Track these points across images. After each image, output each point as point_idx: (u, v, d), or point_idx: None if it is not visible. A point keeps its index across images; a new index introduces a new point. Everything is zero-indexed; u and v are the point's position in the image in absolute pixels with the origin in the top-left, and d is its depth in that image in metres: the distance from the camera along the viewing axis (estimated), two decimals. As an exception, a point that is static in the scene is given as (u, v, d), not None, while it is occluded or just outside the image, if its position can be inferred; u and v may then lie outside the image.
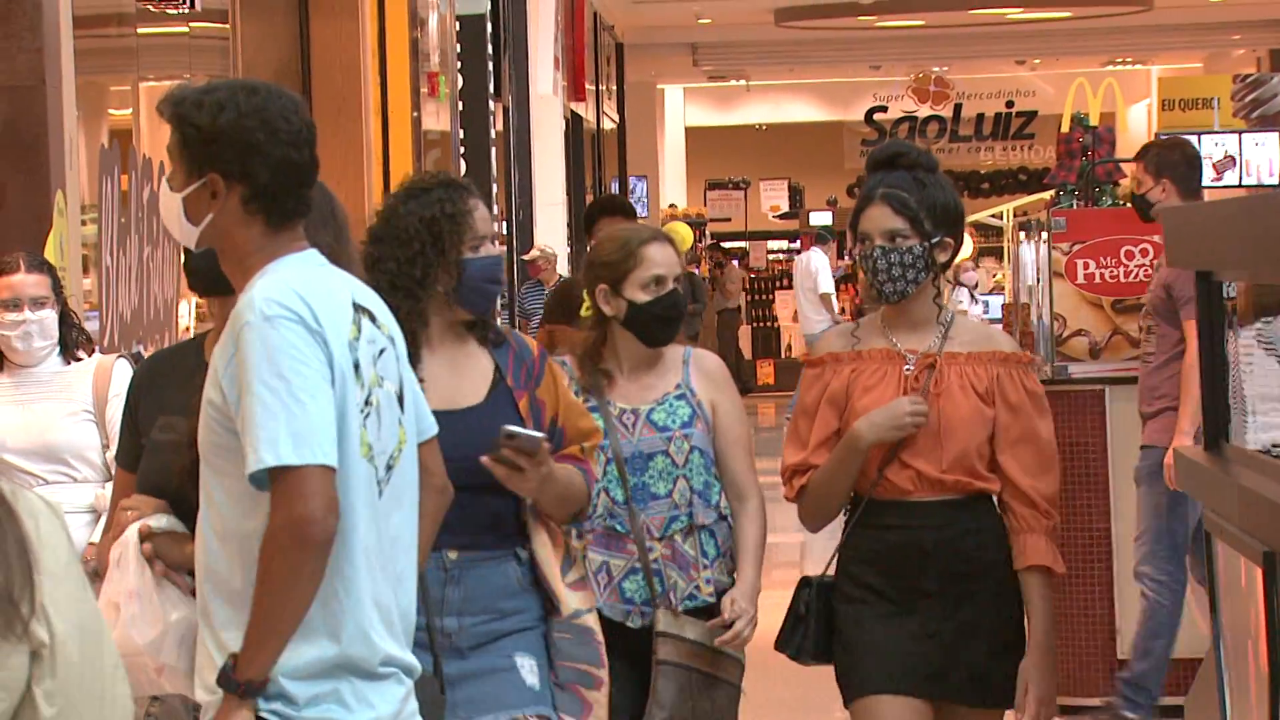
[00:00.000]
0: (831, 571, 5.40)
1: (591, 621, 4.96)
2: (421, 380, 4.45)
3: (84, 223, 7.92)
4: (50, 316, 6.57)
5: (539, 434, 4.76)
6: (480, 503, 4.78)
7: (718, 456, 5.58)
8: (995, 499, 5.32)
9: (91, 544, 6.48)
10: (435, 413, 4.32)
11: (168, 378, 4.62)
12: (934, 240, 5.24)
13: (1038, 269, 9.93)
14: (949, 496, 5.26)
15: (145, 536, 4.31)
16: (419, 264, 4.89)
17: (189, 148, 4.02)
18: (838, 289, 23.82)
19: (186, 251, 4.49)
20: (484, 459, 4.71)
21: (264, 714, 3.90)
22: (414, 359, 4.53)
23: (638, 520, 5.50)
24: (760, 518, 5.61)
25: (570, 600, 4.91)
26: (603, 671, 4.96)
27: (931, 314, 5.32)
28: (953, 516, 5.26)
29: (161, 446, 4.39)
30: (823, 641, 5.36)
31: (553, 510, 4.94)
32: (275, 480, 3.85)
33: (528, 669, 4.84)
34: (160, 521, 4.34)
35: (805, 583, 5.43)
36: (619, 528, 5.51)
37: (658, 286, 5.51)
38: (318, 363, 3.89)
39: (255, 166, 4.00)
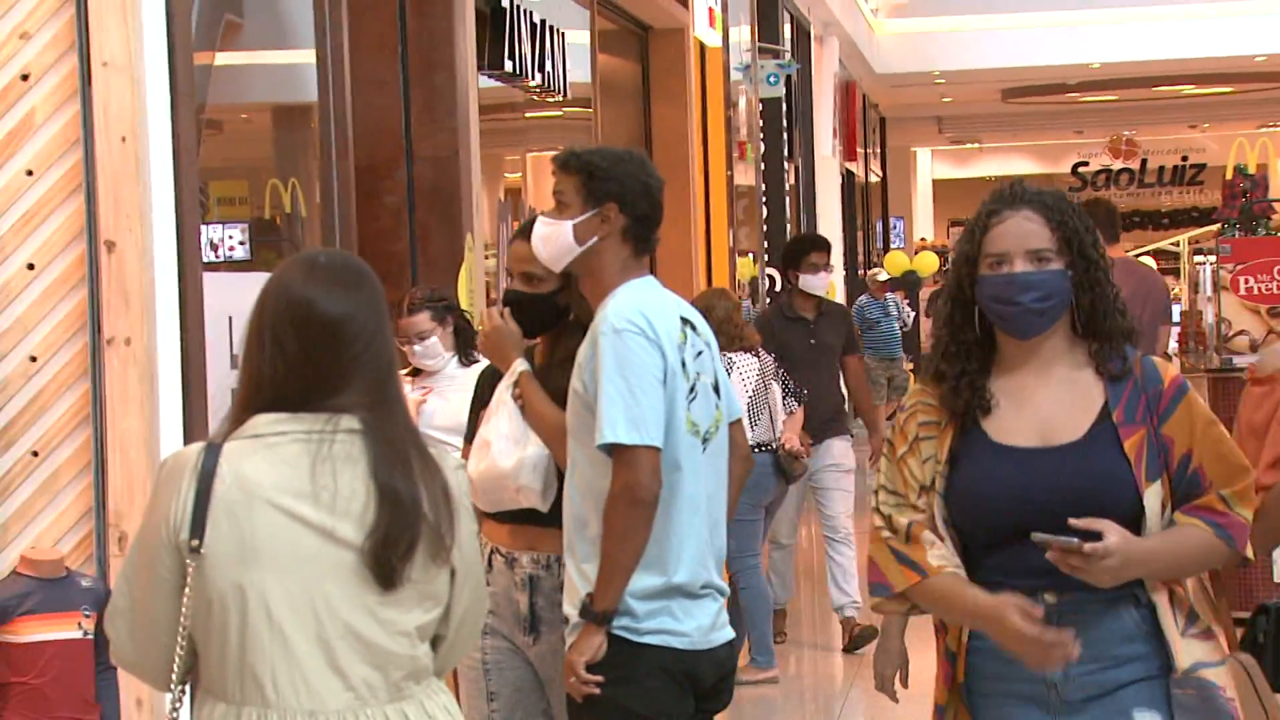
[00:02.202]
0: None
1: (1218, 675, 3.31)
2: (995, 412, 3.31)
3: (486, 257, 8.05)
4: (433, 342, 6.59)
5: (1072, 540, 3.16)
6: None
7: None
8: None
9: None
10: (1025, 450, 3.28)
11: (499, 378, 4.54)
12: None
13: (1209, 283, 9.73)
14: None
15: (516, 383, 4.35)
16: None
17: (592, 183, 4.05)
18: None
19: (513, 300, 4.43)
20: (1049, 555, 3.20)
21: (615, 630, 3.93)
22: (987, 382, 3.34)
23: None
24: None
25: (1190, 651, 3.30)
26: None
27: None
28: None
29: None
30: (1274, 674, 3.83)
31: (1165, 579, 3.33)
32: (614, 455, 3.90)
33: None
34: (524, 364, 4.38)
35: (1263, 609, 3.96)
36: None
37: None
38: (653, 365, 3.93)
39: (640, 203, 4.07)
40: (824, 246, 9.00)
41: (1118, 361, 3.35)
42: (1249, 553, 3.33)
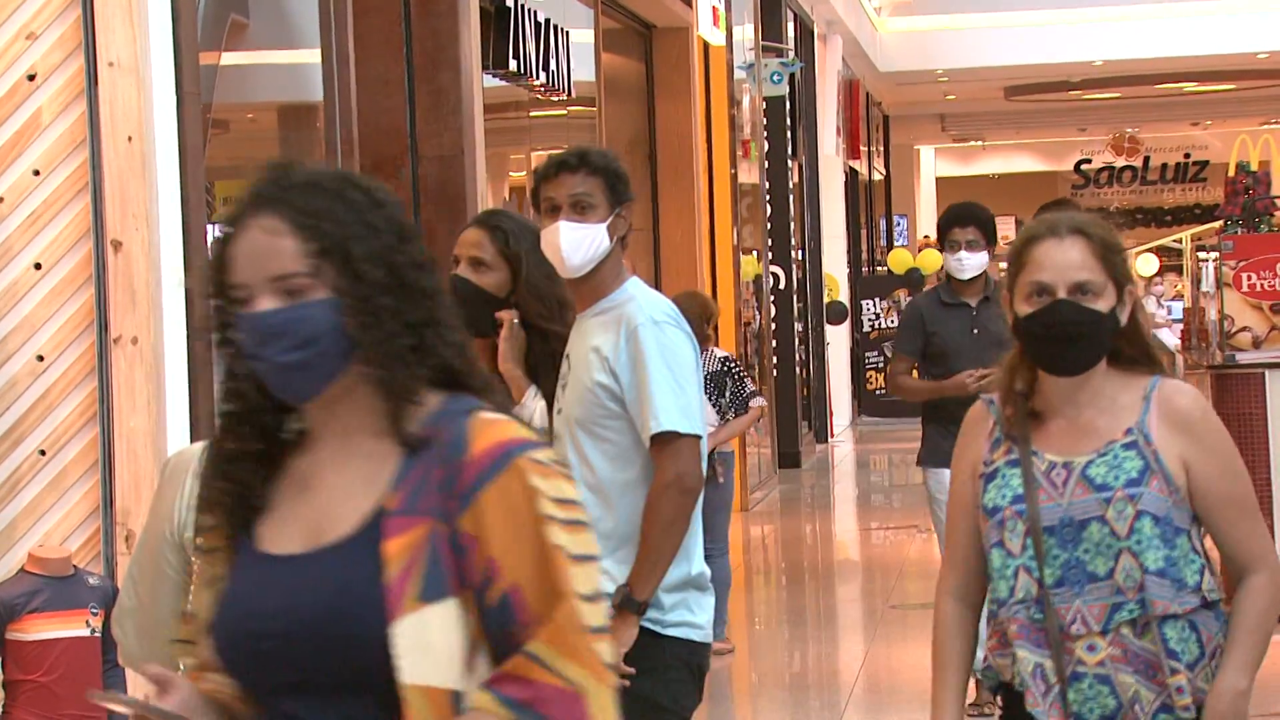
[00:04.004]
0: None
1: None
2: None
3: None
4: None
5: (167, 712, 2.04)
6: (315, 709, 2.06)
7: (1205, 522, 3.21)
8: None
9: None
10: (277, 559, 2.12)
11: None
12: None
13: (1211, 280, 9.74)
14: None
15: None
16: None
17: (618, 184, 4.04)
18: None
19: (460, 289, 4.16)
20: None
21: (642, 622, 3.88)
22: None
23: (1053, 609, 3.14)
24: (1268, 595, 3.21)
25: None
26: None
27: None
28: None
29: None
30: None
31: None
32: (663, 444, 3.85)
33: None
34: (535, 388, 4.24)
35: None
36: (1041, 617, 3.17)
37: (1040, 297, 3.19)
38: (690, 357, 3.96)
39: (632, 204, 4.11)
40: (966, 220, 7.35)
41: (416, 425, 2.11)
42: None
